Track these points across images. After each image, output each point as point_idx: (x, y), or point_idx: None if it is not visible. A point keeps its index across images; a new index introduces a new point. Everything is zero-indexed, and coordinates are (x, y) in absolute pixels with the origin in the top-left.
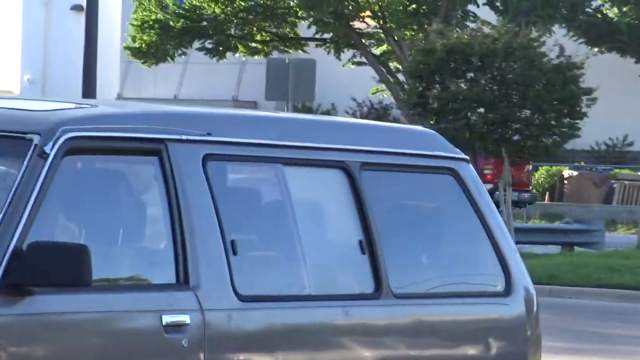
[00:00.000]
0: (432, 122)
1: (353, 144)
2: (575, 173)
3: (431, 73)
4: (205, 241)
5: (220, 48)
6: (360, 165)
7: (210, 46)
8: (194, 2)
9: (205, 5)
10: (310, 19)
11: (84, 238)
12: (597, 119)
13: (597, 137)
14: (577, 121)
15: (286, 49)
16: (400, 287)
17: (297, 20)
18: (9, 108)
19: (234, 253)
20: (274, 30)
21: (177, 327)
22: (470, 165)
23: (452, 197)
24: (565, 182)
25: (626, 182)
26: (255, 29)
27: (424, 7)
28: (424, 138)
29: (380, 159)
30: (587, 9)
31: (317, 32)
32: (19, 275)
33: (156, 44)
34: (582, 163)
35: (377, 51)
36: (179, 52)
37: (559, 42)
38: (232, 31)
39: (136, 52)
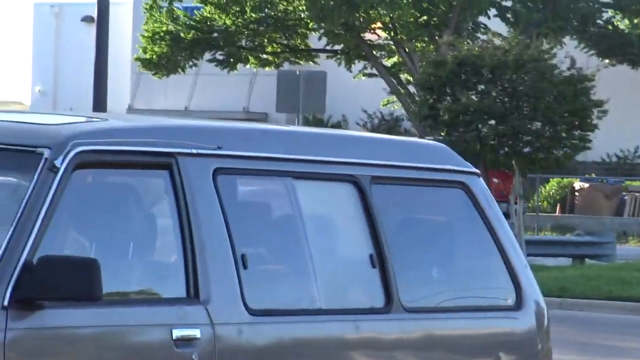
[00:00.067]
0: (442, 134)
1: (363, 157)
2: (586, 185)
3: (442, 85)
4: (216, 255)
5: (231, 59)
6: (371, 179)
7: (221, 57)
8: (205, 14)
9: (216, 16)
10: (321, 31)
11: (94, 252)
12: (608, 131)
13: (608, 149)
14: (588, 133)
15: (297, 60)
16: (410, 301)
17: (308, 32)
18: (19, 122)
19: (245, 267)
20: (285, 41)
21: (187, 341)
22: (481, 179)
23: (462, 211)
24: (577, 194)
25: (637, 194)
26: (266, 40)
27: (434, 18)
28: (435, 152)
29: (390, 173)
30: (598, 21)
31: (328, 44)
32: (30, 289)
33: (167, 56)
34: (593, 175)
35: (388, 63)
36: (190, 63)
37: (570, 54)
38: (243, 42)
39: (147, 64)
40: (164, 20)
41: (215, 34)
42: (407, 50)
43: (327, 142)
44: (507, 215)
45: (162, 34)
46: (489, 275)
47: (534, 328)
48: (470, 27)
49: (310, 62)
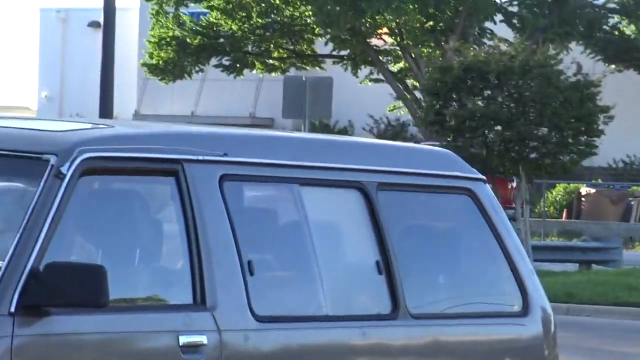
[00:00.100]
0: (449, 140)
1: (370, 164)
2: (592, 190)
3: (448, 91)
4: (222, 262)
5: (237, 65)
6: (377, 186)
7: (227, 63)
8: (211, 19)
9: (222, 22)
10: (328, 36)
11: (100, 258)
12: (615, 137)
13: (614, 155)
14: (594, 139)
15: (303, 65)
16: (417, 308)
17: (314, 37)
18: (25, 128)
19: (251, 273)
20: (291, 47)
21: (194, 347)
22: (487, 186)
23: (469, 217)
24: (583, 199)
25: None
26: (272, 45)
27: (441, 24)
28: (441, 158)
29: (397, 179)
30: (605, 27)
31: (334, 49)
32: (36, 295)
33: (173, 61)
34: (600, 180)
35: (394, 68)
36: (196, 68)
37: (576, 59)
38: (249, 48)
39: (153, 69)
40: (170, 26)
41: (222, 40)
42: (413, 55)
43: (334, 149)
44: (511, 219)
45: (168, 40)
46: (495, 281)
47: (541, 334)
48: (476, 33)
49: (317, 68)
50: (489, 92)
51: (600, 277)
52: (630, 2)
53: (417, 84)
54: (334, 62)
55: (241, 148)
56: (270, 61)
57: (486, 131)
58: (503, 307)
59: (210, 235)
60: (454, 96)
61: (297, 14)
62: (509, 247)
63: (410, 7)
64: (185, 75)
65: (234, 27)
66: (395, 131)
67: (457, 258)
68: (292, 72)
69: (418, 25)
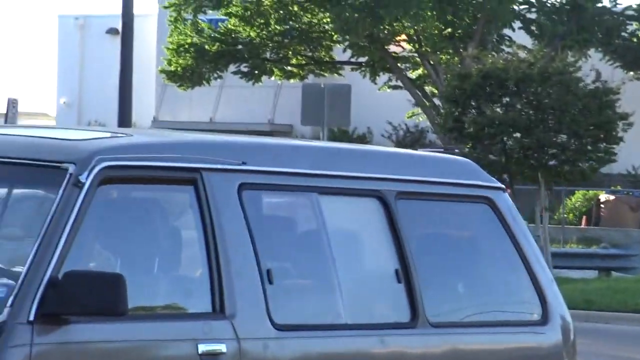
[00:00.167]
0: (468, 147)
1: (388, 173)
2: (611, 197)
3: (467, 98)
4: (241, 270)
5: (256, 72)
6: (396, 195)
7: (245, 70)
8: (229, 26)
9: (241, 29)
10: (346, 43)
11: (119, 267)
12: (634, 143)
13: (633, 161)
14: (613, 146)
15: (322, 72)
16: (436, 316)
17: (332, 44)
18: (44, 137)
19: (270, 282)
20: (310, 54)
21: (213, 356)
22: (506, 194)
23: (488, 226)
24: (602, 206)
25: None
26: (290, 52)
27: (459, 31)
28: (460, 167)
29: (415, 188)
30: (623, 33)
31: (352, 56)
32: (55, 304)
33: (192, 68)
34: (619, 187)
35: (412, 75)
36: (215, 75)
37: (594, 66)
38: (268, 55)
39: (172, 76)
40: (189, 33)
41: (240, 46)
42: (431, 62)
43: (352, 158)
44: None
45: (186, 46)
46: (514, 290)
47: (560, 343)
48: (494, 40)
49: (335, 74)
50: (507, 99)
51: (619, 284)
52: None
53: (436, 91)
54: (352, 69)
55: (260, 157)
56: (289, 68)
57: (505, 138)
58: (522, 316)
59: (229, 243)
60: (473, 103)
61: (315, 20)
62: (529, 256)
63: (429, 14)
64: (204, 82)
65: (252, 34)
66: (414, 138)
67: (476, 267)
68: (311, 78)
69: (436, 32)
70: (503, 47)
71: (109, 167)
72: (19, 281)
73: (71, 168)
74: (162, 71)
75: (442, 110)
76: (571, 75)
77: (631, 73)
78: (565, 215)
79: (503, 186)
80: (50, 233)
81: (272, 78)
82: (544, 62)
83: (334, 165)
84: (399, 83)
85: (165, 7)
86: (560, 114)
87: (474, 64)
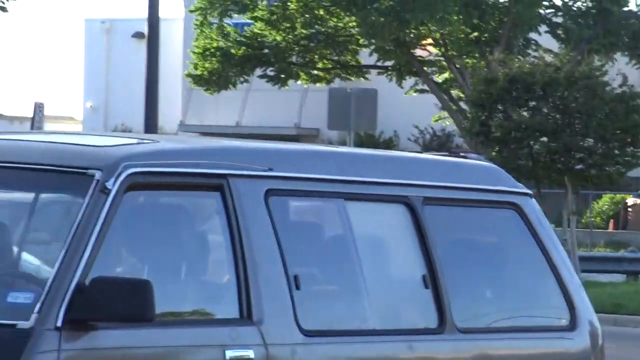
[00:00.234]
0: (494, 151)
1: (415, 178)
2: (639, 201)
3: (493, 102)
4: (268, 276)
5: (282, 75)
6: (423, 200)
7: (271, 73)
8: (255, 30)
9: (267, 32)
10: (372, 47)
11: (146, 272)
12: None
13: None
14: None
15: (348, 76)
16: (464, 322)
17: (358, 48)
18: (71, 143)
19: (297, 288)
20: (336, 57)
21: None
22: (534, 200)
23: (515, 232)
24: (629, 209)
25: None
26: (316, 56)
27: (485, 35)
28: (487, 173)
29: (442, 194)
30: None
31: (378, 60)
32: (82, 310)
33: (218, 72)
34: None
35: (439, 79)
36: (241, 79)
37: (621, 70)
38: (294, 59)
39: (198, 80)
40: (215, 37)
41: (266, 50)
42: (457, 66)
43: (379, 163)
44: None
45: (212, 50)
46: (542, 295)
47: (589, 348)
48: (521, 44)
49: (361, 79)
50: (534, 103)
51: None
52: None
53: (462, 95)
54: (378, 73)
55: (286, 163)
56: (315, 72)
57: (532, 142)
58: (550, 321)
59: (256, 249)
60: (499, 107)
61: (341, 24)
62: (556, 261)
63: (455, 17)
64: (230, 86)
65: (278, 38)
66: (440, 142)
67: (503, 272)
68: (337, 82)
69: (462, 36)
70: (529, 51)
71: (135, 173)
72: (46, 287)
73: (98, 174)
74: (189, 75)
75: (468, 115)
76: (598, 79)
77: None
78: (592, 219)
79: (530, 192)
80: (77, 239)
81: (299, 82)
82: (570, 66)
83: (361, 171)
84: (426, 87)
85: (192, 11)
86: (587, 118)
87: (500, 68)
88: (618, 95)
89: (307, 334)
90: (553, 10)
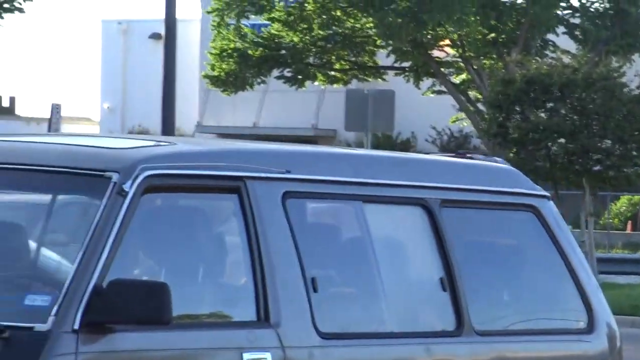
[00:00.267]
0: (512, 153)
1: (433, 181)
2: None
3: (511, 103)
4: (286, 278)
5: (299, 76)
6: (440, 203)
7: (289, 74)
8: (272, 31)
9: (284, 34)
10: (389, 48)
11: (163, 275)
12: None
13: None
14: None
15: (365, 77)
16: (482, 324)
17: (375, 49)
18: (88, 145)
19: (315, 290)
20: (353, 58)
21: None
22: (551, 202)
23: (533, 234)
24: None
25: None
26: (334, 57)
27: (502, 36)
28: (504, 175)
29: (460, 196)
30: None
31: (396, 61)
32: (100, 312)
33: (235, 73)
34: None
35: (456, 80)
36: (258, 80)
37: (639, 71)
38: (311, 60)
39: (215, 81)
40: (232, 38)
41: (283, 51)
42: (475, 67)
43: (396, 166)
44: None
45: (229, 51)
46: (560, 298)
47: (607, 351)
48: (538, 45)
49: (379, 80)
50: (551, 104)
51: None
52: None
53: (480, 96)
54: (395, 74)
55: (304, 165)
56: (332, 73)
57: (549, 143)
58: (568, 324)
59: (273, 252)
60: (517, 108)
61: (358, 25)
62: (574, 264)
63: (472, 18)
64: (247, 87)
65: (295, 39)
66: (458, 143)
67: (521, 275)
68: (354, 83)
69: (480, 37)
70: (547, 52)
71: (152, 175)
72: (64, 290)
73: (115, 177)
74: (206, 76)
75: (486, 116)
76: (615, 80)
77: None
78: (610, 221)
79: (548, 194)
80: (94, 242)
81: (316, 83)
82: (588, 68)
83: (378, 173)
84: (443, 88)
85: (208, 12)
86: (605, 119)
87: (518, 69)
88: (636, 96)
89: (325, 336)
90: (571, 11)
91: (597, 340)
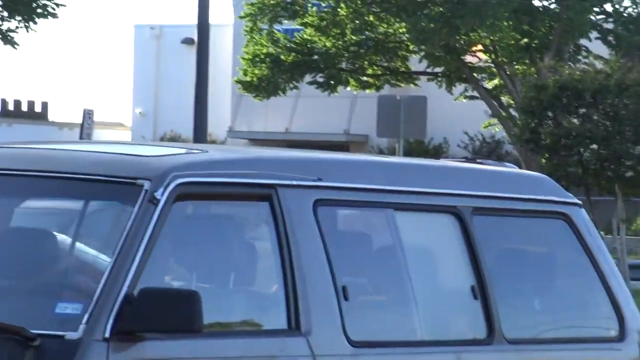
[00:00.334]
0: (544, 158)
1: (464, 188)
2: None
3: (543, 109)
4: (317, 286)
5: (332, 82)
6: (472, 210)
7: (321, 80)
8: (305, 36)
9: (316, 39)
10: (422, 53)
11: (194, 283)
12: None
13: None
14: None
15: (398, 83)
16: (512, 332)
17: (408, 54)
18: (120, 153)
19: (346, 298)
20: (385, 64)
21: None
22: (583, 210)
23: (564, 242)
24: None
25: None
26: (366, 62)
27: (535, 41)
28: (536, 183)
29: (491, 204)
30: None
31: (428, 66)
32: (131, 321)
33: (267, 78)
34: None
35: (488, 85)
36: (290, 85)
37: None
38: (343, 65)
39: (247, 86)
40: (264, 43)
41: (316, 57)
42: (508, 73)
43: (428, 173)
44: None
45: (262, 57)
46: (591, 306)
47: (637, 359)
48: (571, 50)
49: (411, 85)
50: (584, 110)
51: None
52: None
53: (512, 102)
54: (428, 79)
55: (335, 173)
56: (365, 78)
57: (582, 149)
58: (599, 332)
59: (304, 259)
60: (549, 114)
61: (391, 30)
62: (605, 272)
63: (505, 24)
64: (279, 92)
65: (328, 44)
66: (490, 148)
67: (552, 283)
68: (387, 89)
69: (512, 42)
70: (580, 57)
71: (184, 183)
72: (95, 298)
73: (146, 184)
74: (238, 81)
75: (518, 121)
76: None
77: None
78: None
79: (579, 202)
80: (125, 249)
81: (348, 88)
82: (621, 73)
83: (410, 181)
84: (475, 93)
85: (241, 17)
86: (638, 125)
87: (551, 75)
88: None
89: (355, 345)
90: (604, 16)
91: (628, 349)
